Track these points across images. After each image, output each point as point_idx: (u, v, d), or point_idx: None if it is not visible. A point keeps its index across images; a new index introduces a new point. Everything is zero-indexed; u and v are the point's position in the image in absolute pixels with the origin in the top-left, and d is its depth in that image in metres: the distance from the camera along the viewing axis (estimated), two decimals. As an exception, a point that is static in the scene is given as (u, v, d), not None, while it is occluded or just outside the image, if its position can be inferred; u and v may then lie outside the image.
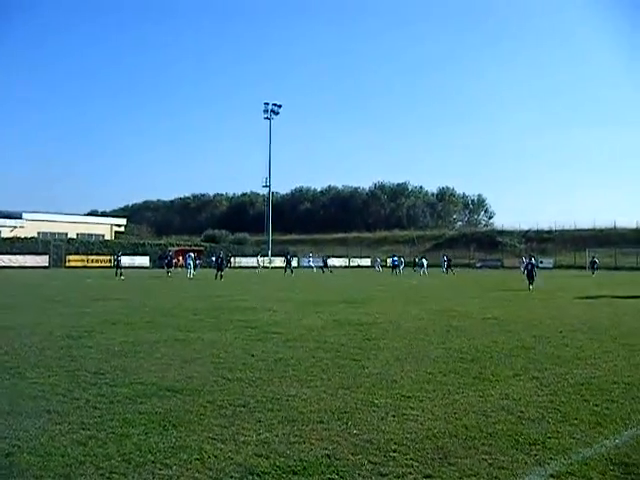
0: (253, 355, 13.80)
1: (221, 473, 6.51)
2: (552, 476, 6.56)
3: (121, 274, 56.58)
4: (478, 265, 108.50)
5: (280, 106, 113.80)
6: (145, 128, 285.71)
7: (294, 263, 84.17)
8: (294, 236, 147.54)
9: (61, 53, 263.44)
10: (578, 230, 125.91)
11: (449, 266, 78.74)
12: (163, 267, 67.16)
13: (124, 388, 10.33)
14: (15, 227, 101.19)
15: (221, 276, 54.07)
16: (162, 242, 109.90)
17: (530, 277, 41.85)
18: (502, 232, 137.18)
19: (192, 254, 67.40)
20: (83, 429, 7.95)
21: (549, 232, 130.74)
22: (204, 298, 31.82)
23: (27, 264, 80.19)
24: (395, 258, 77.58)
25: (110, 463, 6.74)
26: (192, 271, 61.96)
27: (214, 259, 60.28)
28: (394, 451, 7.26)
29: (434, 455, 7.15)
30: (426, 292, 39.42)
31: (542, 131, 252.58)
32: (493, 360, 13.51)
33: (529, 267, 43.07)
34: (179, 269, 73.57)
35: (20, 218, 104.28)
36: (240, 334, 17.37)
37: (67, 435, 7.70)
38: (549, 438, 7.81)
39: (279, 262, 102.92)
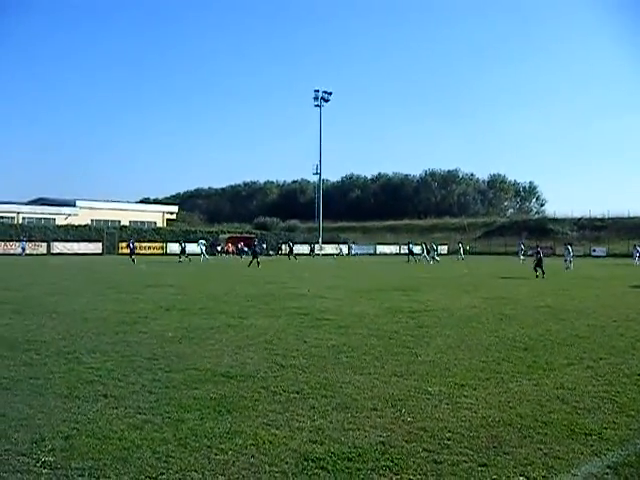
0: (306, 342, 13.86)
1: (276, 459, 6.55)
2: (609, 467, 6.47)
3: (134, 260, 58.82)
4: (529, 253, 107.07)
5: (331, 93, 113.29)
6: (195, 117, 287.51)
7: (345, 250, 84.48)
8: (344, 223, 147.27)
9: (120, 36, 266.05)
10: (632, 218, 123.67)
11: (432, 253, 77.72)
12: (214, 254, 68.12)
13: (179, 374, 10.44)
14: (69, 215, 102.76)
15: (258, 263, 54.39)
16: (214, 229, 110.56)
17: (539, 266, 42.44)
18: (554, 220, 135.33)
19: (203, 240, 72.18)
20: (139, 413, 8.06)
21: (602, 220, 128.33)
22: (255, 285, 31.97)
23: (81, 251, 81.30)
24: (411, 245, 77.71)
25: (166, 447, 6.83)
26: (206, 257, 66.16)
27: (252, 248, 60.94)
28: (448, 439, 7.25)
29: (489, 444, 7.12)
30: (476, 280, 39.12)
31: (595, 118, 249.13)
32: (547, 349, 13.40)
33: (538, 257, 43.56)
34: (231, 255, 75.11)
35: (74, 206, 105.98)
36: (292, 321, 17.46)
37: (124, 419, 7.82)
38: (605, 429, 7.73)
39: (330, 249, 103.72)
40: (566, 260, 57.11)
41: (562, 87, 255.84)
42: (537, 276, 41.26)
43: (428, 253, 71.92)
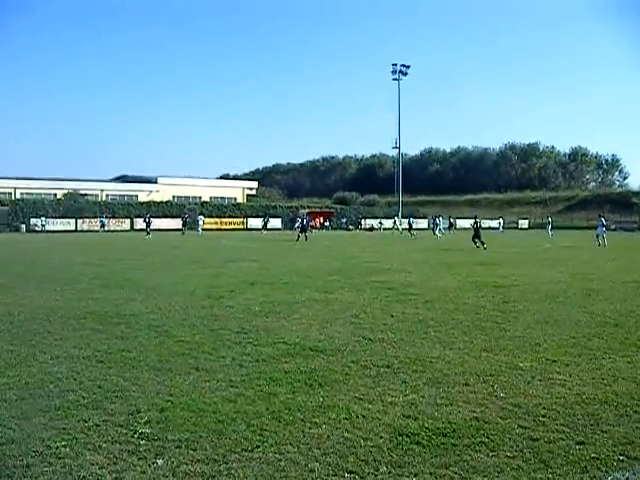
0: (392, 316, 13.82)
1: (370, 433, 6.53)
2: None
3: (148, 233, 63.24)
4: (612, 227, 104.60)
5: (408, 67, 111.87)
6: (274, 93, 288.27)
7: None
8: (423, 197, 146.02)
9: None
10: None
11: (450, 226, 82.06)
12: (294, 229, 68.68)
13: (268, 347, 10.50)
14: (151, 191, 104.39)
15: (306, 237, 55.00)
16: (293, 204, 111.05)
17: (477, 237, 42.97)
18: (638, 193, 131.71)
19: (202, 216, 79.57)
20: (231, 387, 8.13)
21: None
22: (337, 259, 32.06)
23: (163, 227, 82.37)
24: (412, 219, 79.20)
25: (260, 420, 6.87)
26: (199, 231, 73.25)
27: (300, 221, 60.62)
28: (543, 416, 7.13)
29: (585, 421, 6.98)
30: (560, 254, 38.51)
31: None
32: (638, 325, 13.06)
33: (475, 228, 44.19)
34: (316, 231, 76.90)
35: (156, 182, 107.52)
36: (377, 295, 17.42)
37: (216, 392, 7.89)
38: None
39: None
40: (598, 235, 48.40)
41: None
42: (477, 247, 41.50)
43: (436, 227, 70.97)
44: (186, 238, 60.99)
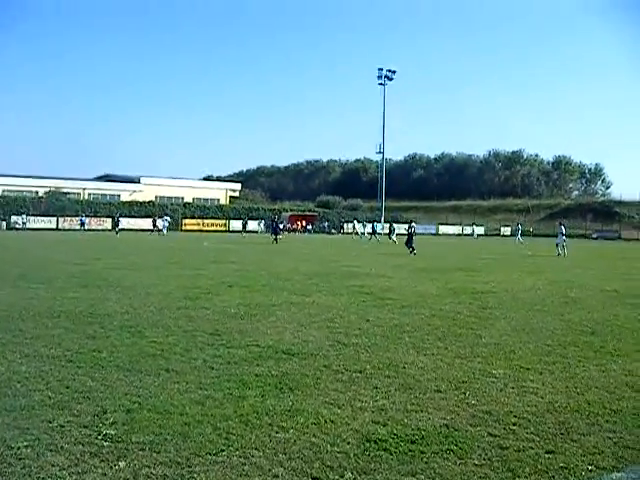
0: (368, 320, 13.77)
1: (338, 439, 6.45)
2: (683, 458, 6.24)
3: (117, 232, 67.69)
4: (594, 236, 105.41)
5: (394, 72, 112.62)
6: (259, 96, 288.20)
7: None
8: (407, 203, 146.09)
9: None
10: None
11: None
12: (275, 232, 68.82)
13: (240, 350, 10.41)
14: (134, 191, 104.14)
15: (277, 240, 56.27)
16: (276, 207, 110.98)
17: (409, 242, 43.45)
18: (620, 202, 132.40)
19: (168, 217, 78.86)
20: (200, 389, 8.04)
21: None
22: (317, 263, 31.99)
23: (145, 227, 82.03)
24: (376, 224, 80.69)
25: (227, 424, 6.77)
26: (164, 233, 72.30)
27: (267, 223, 61.38)
28: (514, 424, 7.07)
29: (556, 430, 6.92)
30: (540, 262, 38.63)
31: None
32: (614, 334, 13.04)
33: (409, 232, 44.74)
34: (295, 233, 76.80)
35: (138, 182, 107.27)
36: (355, 299, 17.37)
37: (185, 394, 7.80)
38: (679, 418, 7.46)
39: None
40: (557, 244, 46.29)
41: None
42: (411, 252, 41.82)
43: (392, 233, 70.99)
44: (166, 239, 60.93)
